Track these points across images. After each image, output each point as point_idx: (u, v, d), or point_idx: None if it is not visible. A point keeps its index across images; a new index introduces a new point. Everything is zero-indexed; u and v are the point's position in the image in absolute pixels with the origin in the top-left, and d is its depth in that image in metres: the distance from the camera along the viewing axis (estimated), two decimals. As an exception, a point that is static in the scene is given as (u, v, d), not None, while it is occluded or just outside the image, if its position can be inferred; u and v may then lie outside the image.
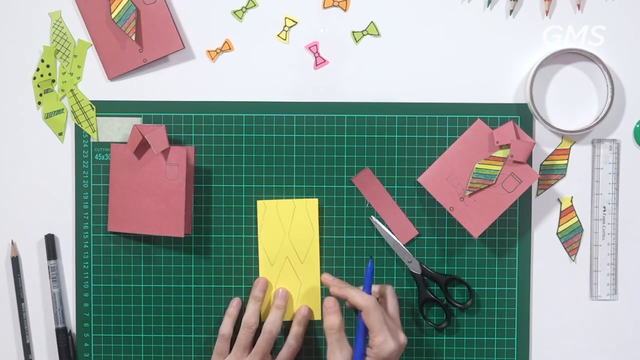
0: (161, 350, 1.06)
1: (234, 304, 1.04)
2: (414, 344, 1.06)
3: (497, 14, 1.05)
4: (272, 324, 1.01)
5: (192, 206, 1.05)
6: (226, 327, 1.03)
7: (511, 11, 1.05)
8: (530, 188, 1.05)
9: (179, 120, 1.05)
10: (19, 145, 1.06)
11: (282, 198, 1.05)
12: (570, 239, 1.06)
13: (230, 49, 1.06)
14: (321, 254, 1.05)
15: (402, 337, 0.96)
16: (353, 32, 1.05)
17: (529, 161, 1.05)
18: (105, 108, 1.06)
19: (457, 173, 1.01)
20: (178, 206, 1.01)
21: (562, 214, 1.06)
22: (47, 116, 1.06)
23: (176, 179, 1.01)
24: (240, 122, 1.05)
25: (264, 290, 1.04)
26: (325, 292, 1.06)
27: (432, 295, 1.05)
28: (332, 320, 0.95)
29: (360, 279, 1.05)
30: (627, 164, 1.06)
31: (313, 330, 1.06)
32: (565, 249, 1.06)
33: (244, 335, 1.01)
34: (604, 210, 1.06)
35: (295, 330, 1.03)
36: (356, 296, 0.96)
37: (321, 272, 1.05)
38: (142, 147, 1.02)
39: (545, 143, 1.06)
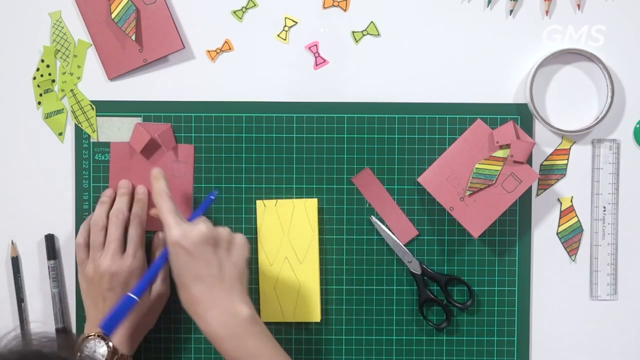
0: (161, 350, 1.06)
1: (108, 193, 1.04)
2: (414, 344, 1.06)
3: (497, 14, 1.05)
4: (117, 210, 1.01)
5: (192, 205, 1.05)
6: (81, 236, 1.02)
7: (511, 11, 1.05)
8: (530, 188, 1.05)
9: (179, 120, 1.05)
10: (19, 145, 1.06)
11: (282, 198, 1.05)
12: (570, 239, 1.06)
13: (230, 49, 1.06)
14: (321, 254, 1.05)
15: (198, 227, 0.94)
16: (353, 32, 1.05)
17: (529, 161, 1.04)
18: (105, 108, 1.06)
19: (457, 173, 1.01)
20: (185, 203, 1.02)
21: (562, 214, 1.06)
22: (47, 116, 1.06)
23: (183, 176, 1.02)
24: (240, 122, 1.05)
25: (111, 197, 1.04)
26: (325, 292, 1.06)
27: (432, 295, 1.05)
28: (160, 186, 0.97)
29: (360, 279, 1.05)
30: (627, 164, 1.06)
31: (313, 330, 1.06)
32: (565, 249, 1.06)
33: (94, 234, 1.01)
34: (604, 210, 1.06)
35: (136, 207, 1.02)
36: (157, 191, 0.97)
37: (321, 273, 1.05)
38: (148, 146, 1.03)
39: (545, 143, 1.06)
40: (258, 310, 1.05)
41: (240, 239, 0.96)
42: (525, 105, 1.05)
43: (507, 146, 1.00)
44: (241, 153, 1.05)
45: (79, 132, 1.06)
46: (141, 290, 0.96)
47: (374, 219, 1.05)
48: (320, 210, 1.05)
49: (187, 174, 1.03)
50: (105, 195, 1.04)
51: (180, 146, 1.03)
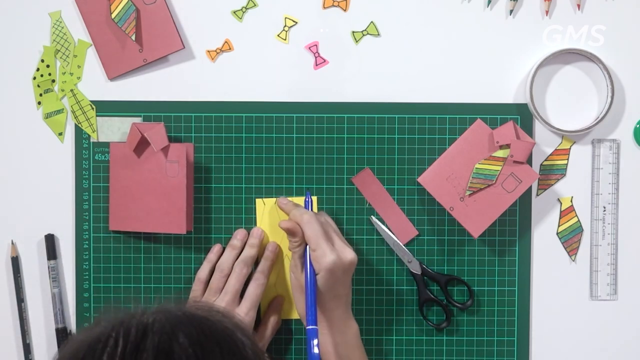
0: (161, 350, 1.06)
1: (215, 250, 1.04)
2: (414, 344, 1.06)
3: (497, 14, 1.05)
4: (243, 262, 1.01)
5: (193, 203, 1.05)
6: (203, 271, 1.02)
7: (511, 11, 1.05)
8: (530, 188, 1.05)
9: (179, 120, 1.05)
10: (19, 145, 1.06)
11: (282, 198, 1.05)
12: (570, 239, 1.06)
13: (230, 49, 1.06)
14: (321, 254, 1.05)
15: (348, 253, 0.95)
16: (353, 32, 1.05)
17: (529, 161, 1.04)
18: (105, 108, 1.06)
19: (457, 173, 1.01)
20: (179, 203, 1.01)
21: (562, 214, 1.06)
22: (47, 116, 1.06)
23: (176, 176, 1.02)
24: (240, 122, 1.05)
25: (243, 240, 1.03)
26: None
27: (432, 295, 1.05)
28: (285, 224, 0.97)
29: (360, 279, 1.05)
30: (627, 164, 1.06)
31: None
32: (565, 249, 1.06)
33: (216, 279, 1.01)
34: (604, 210, 1.06)
35: (262, 264, 1.02)
36: (295, 211, 0.97)
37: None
38: (142, 145, 1.02)
39: (545, 143, 1.06)
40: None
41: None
42: (525, 105, 1.05)
43: (507, 146, 1.00)
44: (241, 153, 1.05)
45: (79, 132, 1.06)
46: (315, 318, 0.95)
47: (374, 219, 1.05)
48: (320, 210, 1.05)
49: (180, 174, 1.02)
50: (237, 238, 1.03)
51: (172, 145, 1.01)
